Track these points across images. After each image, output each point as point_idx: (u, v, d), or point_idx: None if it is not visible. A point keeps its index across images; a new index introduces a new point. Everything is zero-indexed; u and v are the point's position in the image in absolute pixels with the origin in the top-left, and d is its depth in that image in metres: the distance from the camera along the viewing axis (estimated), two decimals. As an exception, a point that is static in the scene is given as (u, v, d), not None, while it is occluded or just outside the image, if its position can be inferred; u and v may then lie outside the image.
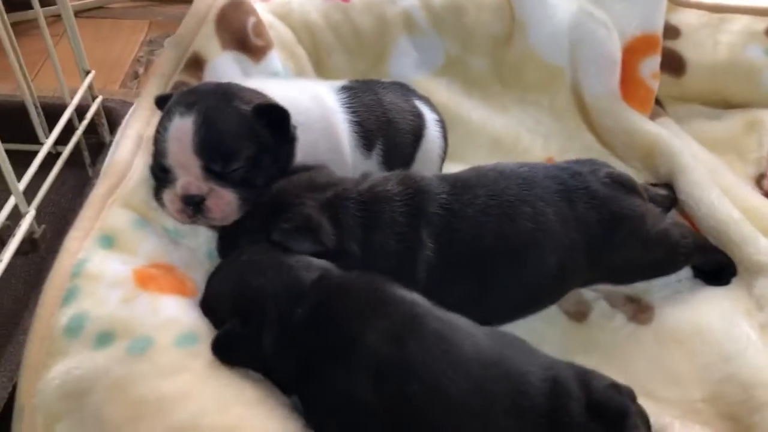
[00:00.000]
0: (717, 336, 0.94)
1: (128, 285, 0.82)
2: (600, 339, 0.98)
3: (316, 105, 1.02)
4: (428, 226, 0.90)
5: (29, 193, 1.10)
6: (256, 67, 1.17)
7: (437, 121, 1.18)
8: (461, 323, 0.78)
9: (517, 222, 0.92)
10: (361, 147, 1.06)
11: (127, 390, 0.72)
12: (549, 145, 1.27)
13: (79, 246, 0.86)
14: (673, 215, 1.13)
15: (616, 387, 0.75)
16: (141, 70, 1.72)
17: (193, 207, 0.89)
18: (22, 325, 1.00)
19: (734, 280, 1.03)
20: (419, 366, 0.71)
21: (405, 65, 1.34)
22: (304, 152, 0.97)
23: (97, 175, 1.25)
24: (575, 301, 1.03)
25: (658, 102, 1.33)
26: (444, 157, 1.19)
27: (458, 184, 0.94)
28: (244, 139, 0.89)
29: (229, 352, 0.77)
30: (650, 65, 1.27)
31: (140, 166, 0.97)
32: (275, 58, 1.20)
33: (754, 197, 1.15)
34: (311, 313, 0.77)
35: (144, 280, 0.83)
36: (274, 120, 0.91)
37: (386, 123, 1.09)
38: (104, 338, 0.77)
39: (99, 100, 1.28)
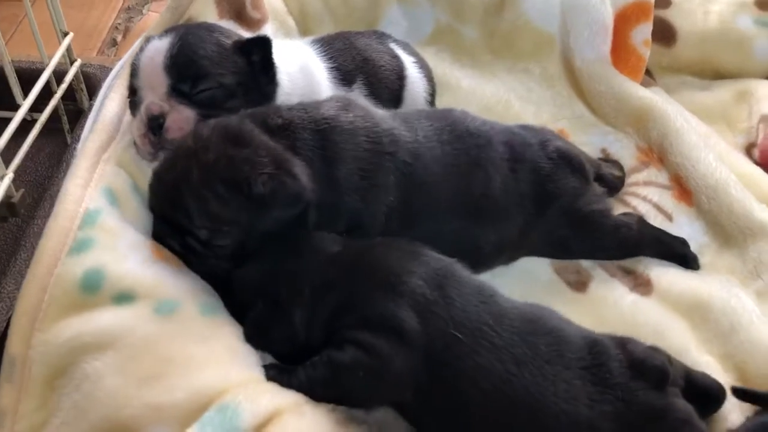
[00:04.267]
0: (717, 308, 0.92)
1: (146, 251, 0.80)
2: (603, 310, 0.94)
3: (294, 53, 1.02)
4: (396, 172, 0.85)
5: (5, 160, 1.04)
6: (249, 39, 1.14)
7: (415, 63, 1.17)
8: (490, 285, 0.78)
9: (471, 187, 0.87)
10: (340, 85, 1.05)
11: (156, 348, 0.71)
12: (541, 113, 1.25)
13: (82, 193, 0.83)
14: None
15: (654, 348, 0.76)
16: (119, 38, 1.67)
17: (154, 131, 0.87)
18: (2, 291, 0.96)
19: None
20: (460, 312, 0.71)
21: (394, 35, 1.31)
22: (283, 97, 0.95)
23: (76, 141, 1.20)
24: (574, 270, 0.99)
25: (648, 72, 1.32)
26: (431, 100, 1.18)
27: (430, 135, 0.89)
28: (218, 66, 0.89)
29: (263, 336, 0.76)
30: (642, 32, 1.25)
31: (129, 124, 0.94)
32: (269, 31, 1.18)
33: (747, 164, 1.15)
34: (347, 270, 0.75)
35: (162, 253, 0.81)
36: (255, 51, 0.91)
37: (363, 61, 1.09)
38: (126, 297, 0.75)
39: (78, 63, 1.23)
